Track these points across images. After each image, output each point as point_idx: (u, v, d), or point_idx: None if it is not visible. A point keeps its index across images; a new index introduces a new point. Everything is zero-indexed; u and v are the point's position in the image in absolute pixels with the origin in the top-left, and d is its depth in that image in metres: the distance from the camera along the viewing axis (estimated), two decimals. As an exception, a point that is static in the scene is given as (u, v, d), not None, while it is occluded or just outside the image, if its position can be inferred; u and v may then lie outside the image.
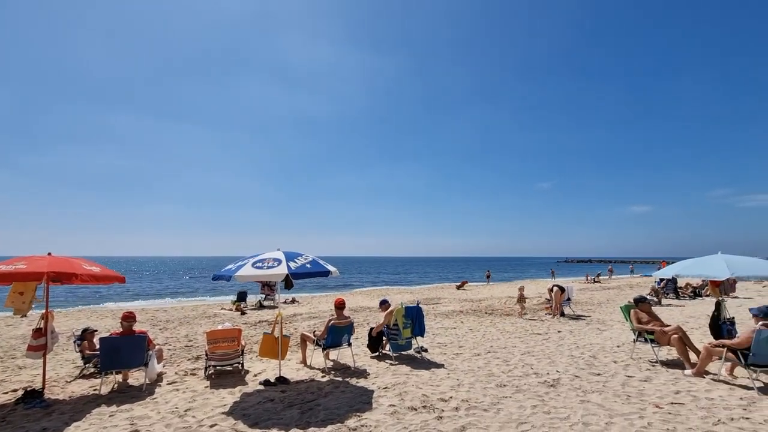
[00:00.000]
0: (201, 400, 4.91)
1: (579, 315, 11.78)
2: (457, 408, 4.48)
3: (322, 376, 5.87)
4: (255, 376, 5.96)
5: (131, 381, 5.72)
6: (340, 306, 6.51)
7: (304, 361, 6.59)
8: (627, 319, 6.86)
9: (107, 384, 5.55)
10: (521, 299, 12.13)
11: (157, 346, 6.24)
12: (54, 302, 18.16)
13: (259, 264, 5.05)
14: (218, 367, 6.10)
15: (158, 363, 5.95)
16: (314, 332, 6.72)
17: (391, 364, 6.43)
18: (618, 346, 7.42)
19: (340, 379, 5.73)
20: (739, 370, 5.42)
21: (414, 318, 6.96)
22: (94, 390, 5.33)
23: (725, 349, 5.18)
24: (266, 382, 5.52)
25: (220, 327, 6.29)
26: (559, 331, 9.13)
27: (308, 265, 5.20)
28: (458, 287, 26.29)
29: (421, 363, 6.51)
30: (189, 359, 7.16)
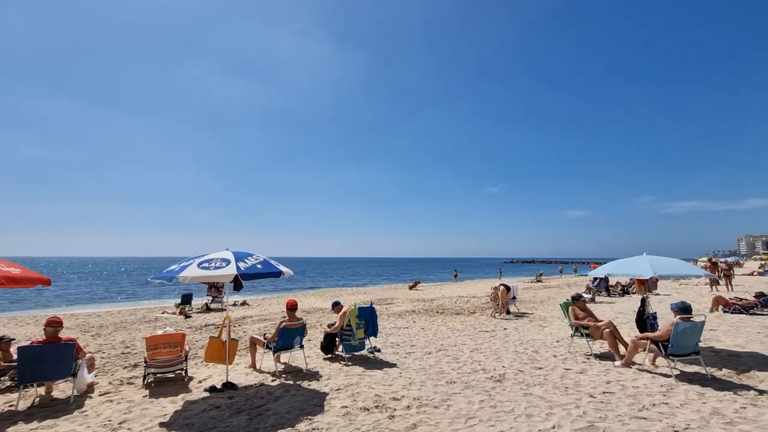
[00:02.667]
0: (138, 411, 4.58)
1: (523, 312, 12.43)
2: (408, 406, 4.55)
3: (273, 380, 5.70)
4: (200, 382, 5.66)
5: (56, 394, 5.20)
6: (292, 307, 6.37)
7: (253, 366, 6.37)
8: (565, 316, 7.35)
9: (26, 398, 5.00)
10: (495, 298, 12.42)
11: (87, 354, 5.70)
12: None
13: (206, 264, 4.81)
14: (159, 375, 5.72)
15: (89, 372, 5.45)
16: (264, 335, 6.52)
17: (344, 365, 6.39)
18: (557, 341, 7.92)
19: (291, 382, 5.60)
20: (660, 360, 6.00)
21: (367, 318, 6.97)
22: (10, 406, 4.77)
23: (649, 341, 5.72)
24: (212, 389, 5.25)
25: (160, 332, 5.90)
26: (505, 329, 9.57)
27: (259, 266, 5.03)
28: (411, 287, 26.73)
29: (374, 363, 6.53)
30: (125, 367, 6.65)
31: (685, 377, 5.41)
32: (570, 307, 7.21)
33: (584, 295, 12.02)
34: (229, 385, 5.33)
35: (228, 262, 4.85)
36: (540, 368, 6.03)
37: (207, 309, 15.14)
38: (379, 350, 7.32)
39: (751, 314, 10.56)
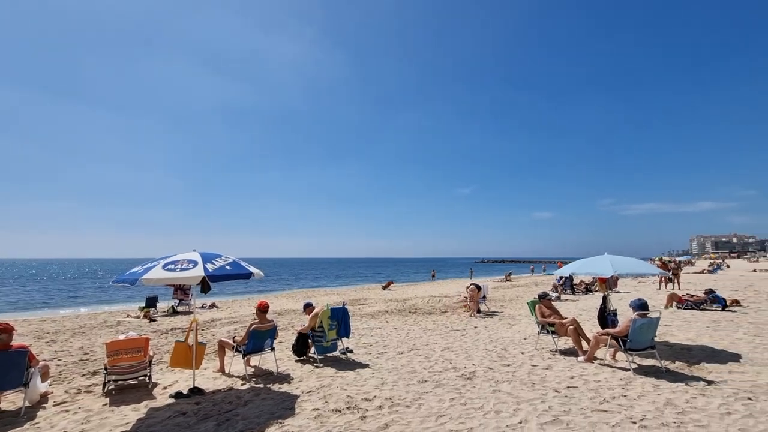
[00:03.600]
0: (97, 421, 4.36)
1: (493, 311, 12.73)
2: (380, 406, 4.57)
3: (242, 384, 5.57)
4: (165, 388, 5.46)
5: (5, 405, 4.87)
6: (262, 309, 6.26)
7: (222, 370, 6.20)
8: (532, 314, 7.60)
9: (-28, 411, 4.66)
10: (473, 298, 12.57)
11: (41, 363, 5.36)
12: None
13: (172, 266, 4.64)
14: (120, 382, 5.47)
15: (42, 381, 5.14)
16: (234, 338, 6.36)
17: (316, 367, 6.34)
18: (525, 339, 8.18)
19: (261, 385, 5.50)
20: (620, 355, 6.31)
21: (340, 319, 6.94)
22: (-47, 419, 4.44)
23: (609, 337, 6.00)
24: (178, 395, 5.08)
25: (122, 336, 5.64)
26: (475, 327, 9.78)
27: (228, 267, 4.91)
28: (384, 288, 26.80)
29: (346, 364, 6.51)
30: (84, 375, 6.31)
31: (642, 370, 5.71)
32: (537, 306, 7.46)
33: (550, 293, 12.47)
34: (196, 391, 5.18)
35: (195, 263, 4.70)
36: (508, 365, 6.20)
37: (173, 312, 14.60)
38: (351, 351, 7.30)
39: (701, 310, 11.28)
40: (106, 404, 4.90)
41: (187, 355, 5.39)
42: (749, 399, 4.51)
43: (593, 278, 19.04)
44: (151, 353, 5.77)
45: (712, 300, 11.51)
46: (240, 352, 5.95)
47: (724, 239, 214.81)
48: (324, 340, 6.68)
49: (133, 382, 5.57)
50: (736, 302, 12.07)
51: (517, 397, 4.76)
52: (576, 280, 19.14)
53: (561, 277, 18.16)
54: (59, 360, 7.41)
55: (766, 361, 6.01)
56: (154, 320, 12.86)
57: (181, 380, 5.79)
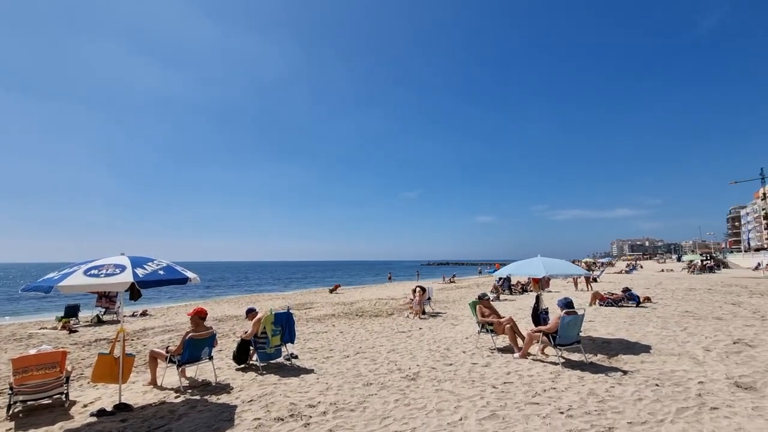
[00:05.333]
0: (0, 448, 3.86)
1: (437, 312, 13.12)
2: (325, 412, 4.51)
3: (176, 397, 5.22)
4: (85, 407, 4.96)
5: None
6: (200, 316, 5.92)
7: (153, 382, 5.76)
8: (473, 314, 7.95)
9: None
10: (419, 301, 12.71)
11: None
12: None
13: (95, 271, 4.24)
14: (30, 402, 4.87)
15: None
16: (168, 348, 5.94)
17: (258, 375, 6.11)
18: (466, 338, 8.52)
19: (197, 397, 5.19)
20: (550, 350, 6.80)
21: (284, 324, 6.76)
22: None
23: (541, 333, 6.45)
24: (100, 412, 4.63)
25: (34, 351, 5.04)
26: (420, 328, 10.01)
27: (161, 272, 4.59)
28: (331, 291, 26.53)
29: (290, 370, 6.35)
30: (-17, 397, 5.54)
31: (569, 364, 6.20)
32: (477, 306, 7.82)
33: (489, 294, 13.12)
34: (122, 407, 4.76)
35: (123, 268, 4.34)
36: (450, 364, 6.42)
37: (99, 321, 13.30)
38: (296, 357, 7.15)
39: (619, 306, 12.51)
40: (10, 429, 4.34)
41: (113, 369, 4.94)
42: (656, 385, 5.08)
43: (528, 279, 20.34)
44: (69, 368, 5.22)
45: (628, 297, 12.81)
46: (174, 362, 5.57)
47: (638, 243, 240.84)
48: (267, 346, 6.46)
49: (46, 401, 4.99)
50: (648, 299, 13.54)
51: (458, 395, 4.94)
52: (513, 281, 20.31)
53: (500, 278, 19.18)
54: (-48, 381, 6.44)
55: (670, 351, 6.80)
56: (75, 331, 11.63)
57: (105, 396, 5.29)
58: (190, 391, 5.46)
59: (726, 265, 48.13)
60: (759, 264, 36.61)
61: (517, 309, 13.27)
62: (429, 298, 13.37)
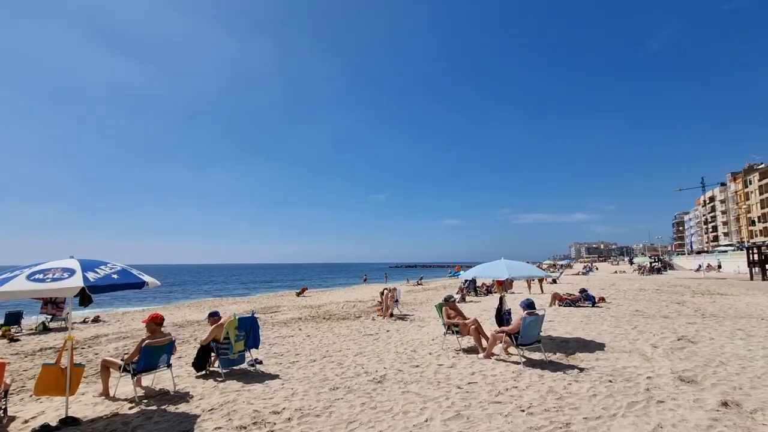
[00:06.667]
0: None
1: (405, 314, 13.21)
2: (289, 418, 4.43)
3: (131, 408, 4.95)
4: (26, 422, 4.59)
5: None
6: (157, 322, 5.64)
7: (105, 393, 5.42)
8: (439, 316, 8.08)
9: None
10: (387, 303, 12.69)
11: None
12: None
13: (39, 276, 3.95)
14: (-39, 420, 4.46)
15: None
16: (123, 356, 5.61)
17: (219, 382, 5.89)
18: (433, 340, 8.64)
19: (154, 407, 4.93)
20: (512, 349, 7.02)
21: (248, 329, 6.57)
22: None
23: (504, 334, 6.65)
24: (44, 428, 4.31)
25: (-33, 363, 4.61)
26: (387, 331, 10.04)
27: (115, 276, 4.35)
28: (298, 294, 26.10)
29: (254, 376, 6.18)
30: None
31: (530, 363, 6.43)
32: (443, 308, 7.96)
33: (455, 295, 13.40)
34: (69, 421, 4.45)
35: (72, 272, 4.07)
36: (417, 366, 6.48)
37: (44, 329, 12.35)
38: (260, 362, 6.96)
39: (577, 307, 13.12)
40: (-61, 449, 3.96)
41: (59, 380, 4.60)
42: (610, 381, 5.36)
43: (492, 281, 20.91)
44: (7, 381, 4.81)
45: (585, 298, 13.47)
46: (129, 371, 5.27)
47: (594, 246, 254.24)
48: (230, 352, 6.26)
49: (-20, 417, 4.58)
50: (603, 299, 14.30)
51: (424, 397, 5.00)
52: (479, 283, 20.83)
53: (466, 281, 19.61)
54: None
55: (622, 348, 7.21)
56: (17, 340, 10.75)
57: (50, 410, 4.93)
58: (146, 401, 5.19)
59: (672, 267, 51.68)
60: (700, 266, 39.59)
61: (482, 310, 13.60)
62: (397, 301, 13.45)
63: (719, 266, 39.42)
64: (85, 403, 5.16)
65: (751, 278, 25.68)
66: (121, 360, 5.43)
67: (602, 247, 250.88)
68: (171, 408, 4.90)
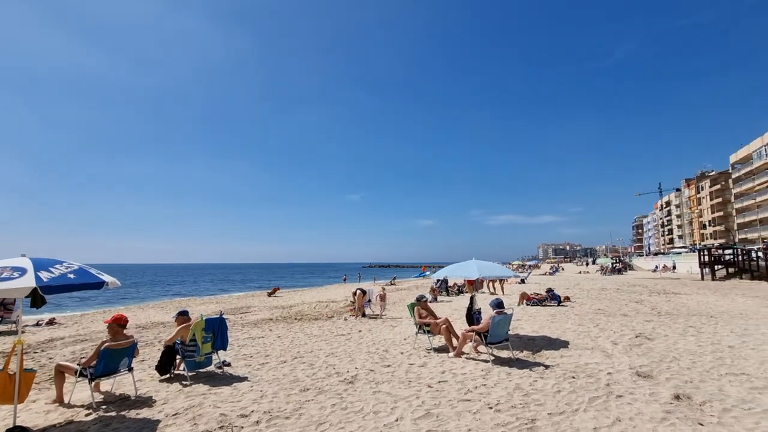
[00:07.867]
0: None
1: (377, 314, 13.24)
2: (258, 421, 4.34)
3: (87, 414, 4.69)
4: (-32, 433, 4.28)
5: None
6: (119, 323, 5.39)
7: (59, 400, 5.11)
8: (411, 315, 8.14)
9: None
10: (360, 303, 12.62)
11: None
12: None
13: (-12, 276, 3.69)
14: None
15: None
16: (80, 360, 5.31)
17: (185, 386, 5.69)
18: (405, 339, 8.69)
19: (113, 414, 4.71)
20: (482, 348, 7.17)
21: (216, 330, 6.38)
22: None
23: (474, 333, 6.78)
24: (-11, 438, 4.03)
25: None
26: (360, 331, 10.02)
27: (71, 276, 4.11)
28: (270, 294, 25.63)
29: (222, 379, 6.01)
30: None
31: (499, 361, 6.59)
32: (415, 308, 8.02)
33: (427, 295, 13.54)
34: (17, 431, 4.17)
35: (23, 271, 3.82)
36: (389, 366, 6.51)
37: (-11, 333, 11.53)
38: (229, 364, 6.78)
39: (543, 306, 13.57)
40: None
41: (7, 387, 4.30)
42: (573, 377, 5.57)
43: (463, 281, 21.28)
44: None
45: (551, 297, 13.95)
46: (86, 376, 4.99)
47: (560, 247, 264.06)
48: (197, 354, 6.06)
49: None
50: (568, 299, 14.86)
51: (395, 396, 5.02)
52: (450, 283, 21.14)
53: (438, 280, 19.85)
54: None
55: (585, 345, 7.51)
56: (-42, 345, 9.97)
57: (-3, 419, 4.61)
58: (104, 407, 4.94)
59: (631, 268, 54.38)
60: (657, 267, 41.91)
61: (453, 310, 13.81)
62: (369, 301, 13.44)
63: (674, 267, 41.84)
64: (36, 411, 4.86)
65: (702, 278, 27.44)
66: (78, 364, 5.15)
67: (568, 248, 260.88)
68: (131, 414, 4.69)
